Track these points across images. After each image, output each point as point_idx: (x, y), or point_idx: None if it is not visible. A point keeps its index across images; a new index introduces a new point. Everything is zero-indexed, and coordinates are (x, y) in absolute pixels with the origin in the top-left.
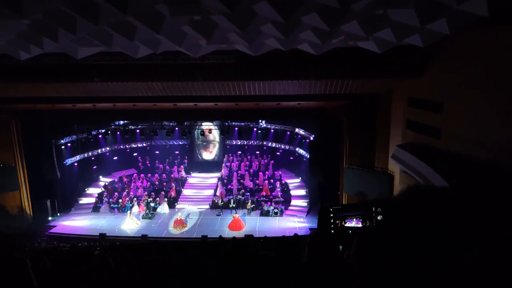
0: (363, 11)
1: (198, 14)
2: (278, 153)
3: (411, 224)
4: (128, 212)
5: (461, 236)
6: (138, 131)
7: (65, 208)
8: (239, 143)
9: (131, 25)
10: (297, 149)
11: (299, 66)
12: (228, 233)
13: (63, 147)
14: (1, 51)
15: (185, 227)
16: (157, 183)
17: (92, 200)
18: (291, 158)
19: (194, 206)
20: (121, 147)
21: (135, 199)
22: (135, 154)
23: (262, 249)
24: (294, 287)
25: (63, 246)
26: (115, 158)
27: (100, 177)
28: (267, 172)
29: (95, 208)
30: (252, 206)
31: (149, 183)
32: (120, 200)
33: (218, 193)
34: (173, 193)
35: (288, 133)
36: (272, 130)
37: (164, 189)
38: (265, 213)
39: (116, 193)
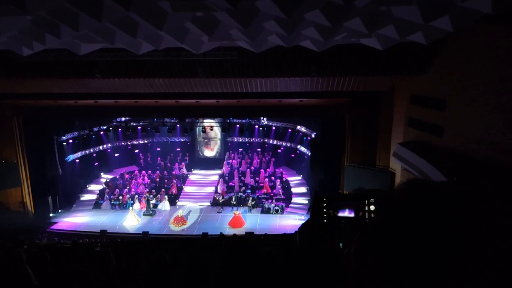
0: (366, 8)
1: (201, 10)
2: (279, 151)
3: (411, 221)
4: (130, 208)
5: (461, 233)
6: (139, 128)
7: (66, 204)
8: (240, 140)
9: (134, 21)
10: (298, 146)
11: (301, 63)
12: (228, 231)
13: (64, 143)
14: (3, 47)
15: (185, 224)
16: (158, 180)
17: (93, 196)
18: (293, 155)
19: (195, 203)
20: (123, 143)
21: (136, 196)
22: (136, 151)
23: (264, 247)
24: (295, 283)
25: (64, 242)
26: (116, 154)
27: (102, 173)
28: (268, 170)
29: (96, 204)
30: (253, 203)
31: (150, 180)
32: (121, 197)
33: (219, 190)
34: (174, 190)
35: (290, 130)
36: (274, 128)
37: (165, 186)
38: (266, 211)
39: (117, 190)
